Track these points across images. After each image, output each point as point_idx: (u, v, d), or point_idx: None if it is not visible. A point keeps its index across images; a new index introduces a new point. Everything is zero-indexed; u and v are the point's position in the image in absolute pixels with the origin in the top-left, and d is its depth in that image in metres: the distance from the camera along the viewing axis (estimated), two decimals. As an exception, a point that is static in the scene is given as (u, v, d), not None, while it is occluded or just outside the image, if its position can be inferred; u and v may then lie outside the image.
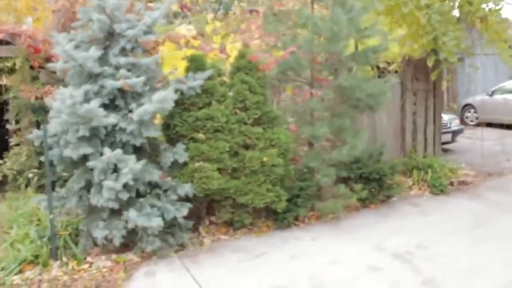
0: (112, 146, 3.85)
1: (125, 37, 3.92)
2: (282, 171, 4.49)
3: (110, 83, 3.74)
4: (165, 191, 4.13)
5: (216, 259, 4.08)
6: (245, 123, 4.52)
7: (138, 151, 4.07)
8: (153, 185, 4.09)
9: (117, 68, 3.92)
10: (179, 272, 3.82)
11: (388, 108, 6.48)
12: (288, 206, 4.69)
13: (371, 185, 5.35)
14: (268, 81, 4.76)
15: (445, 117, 8.68)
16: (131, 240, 4.01)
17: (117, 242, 3.80)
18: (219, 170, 4.33)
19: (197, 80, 4.33)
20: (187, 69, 4.53)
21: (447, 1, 5.58)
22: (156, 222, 3.75)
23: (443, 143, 8.46)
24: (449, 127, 8.57)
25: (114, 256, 4.02)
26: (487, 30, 6.04)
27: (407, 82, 6.58)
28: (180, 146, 4.23)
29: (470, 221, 4.91)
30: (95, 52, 3.72)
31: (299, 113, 4.92)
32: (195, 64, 4.53)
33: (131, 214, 3.69)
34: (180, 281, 3.67)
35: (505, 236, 4.43)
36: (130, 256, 4.05)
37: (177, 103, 4.36)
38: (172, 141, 4.40)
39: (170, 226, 4.17)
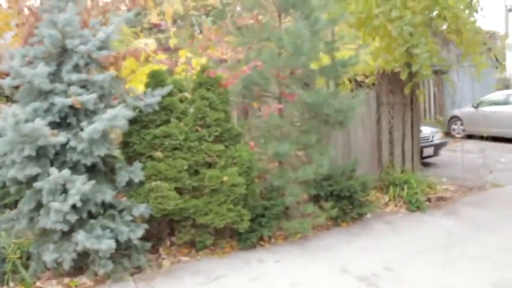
0: (63, 165, 3.72)
1: (78, 53, 3.81)
2: (243, 190, 4.35)
3: (60, 101, 3.62)
4: (120, 211, 3.98)
5: (172, 282, 3.91)
6: (206, 141, 4.39)
7: (92, 170, 3.94)
8: (107, 206, 3.95)
9: (70, 84, 3.81)
10: (130, 299, 3.66)
11: (363, 122, 6.39)
12: (252, 226, 4.54)
13: (342, 202, 5.21)
14: (231, 97, 4.64)
15: (427, 130, 8.59)
16: (84, 263, 3.84)
17: (66, 265, 3.65)
18: (178, 189, 4.20)
19: (155, 97, 4.22)
20: (147, 85, 4.43)
21: (419, 14, 5.48)
22: (107, 245, 3.59)
23: (425, 157, 8.35)
24: (431, 141, 8.46)
25: (66, 280, 3.86)
26: (462, 43, 5.96)
27: (382, 95, 6.47)
28: (136, 165, 4.09)
29: (443, 240, 4.75)
30: (43, 68, 3.60)
31: (262, 129, 4.79)
32: (155, 80, 4.42)
33: (79, 236, 3.54)
34: (130, 307, 3.52)
35: (478, 257, 4.27)
36: (83, 279, 3.89)
37: (135, 120, 4.27)
38: (130, 159, 4.26)
39: (126, 248, 4.02)
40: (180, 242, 4.42)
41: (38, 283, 3.79)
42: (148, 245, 4.20)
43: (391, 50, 5.78)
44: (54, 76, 3.82)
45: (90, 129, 3.55)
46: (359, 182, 5.18)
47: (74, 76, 3.77)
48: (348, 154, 6.37)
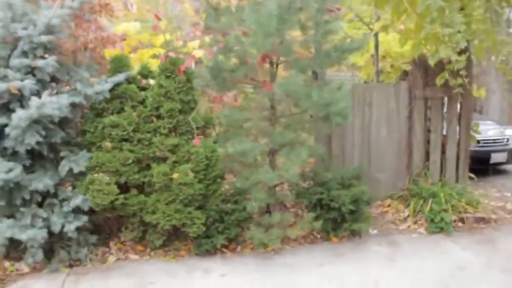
0: (4, 151, 3.73)
1: (22, 38, 3.74)
2: (196, 190, 3.91)
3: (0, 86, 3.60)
4: (62, 201, 3.88)
5: (100, 282, 3.70)
6: (160, 133, 4.04)
7: (38, 157, 3.90)
8: (51, 195, 3.87)
9: (18, 70, 3.78)
10: (49, 292, 3.55)
11: (389, 119, 5.36)
12: (210, 232, 4.09)
13: (331, 214, 4.40)
14: (196, 86, 4.19)
15: (505, 131, 6.99)
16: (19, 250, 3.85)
17: (-3, 251, 3.68)
18: (123, 184, 3.94)
19: (107, 84, 3.99)
20: (109, 71, 4.22)
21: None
22: (27, 235, 3.52)
23: (497, 164, 6.81)
24: (506, 144, 6.84)
25: (7, 264, 3.91)
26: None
27: (416, 88, 5.30)
28: (81, 155, 3.94)
29: (444, 281, 3.67)
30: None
31: (224, 124, 4.25)
32: (115, 65, 4.18)
33: (1, 224, 3.52)
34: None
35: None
36: (23, 266, 3.90)
37: (91, 108, 4.12)
38: (85, 147, 4.12)
39: (69, 239, 3.92)
40: (127, 239, 4.19)
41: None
42: (93, 238, 4.05)
43: (417, 32, 4.64)
44: (6, 62, 3.82)
45: (16, 116, 3.47)
46: (351, 193, 4.30)
47: (16, 62, 3.71)
48: (367, 157, 5.41)
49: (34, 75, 3.81)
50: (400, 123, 5.40)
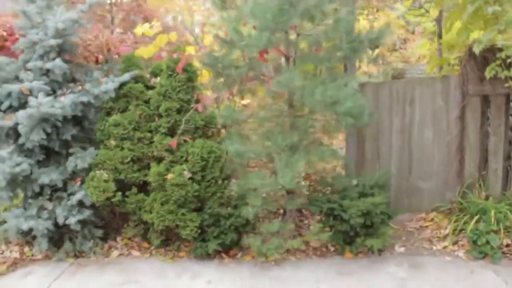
0: (21, 147, 4.06)
1: (37, 43, 4.02)
2: (189, 191, 3.80)
3: (14, 87, 3.93)
4: (70, 195, 4.10)
5: (94, 275, 3.82)
6: (160, 132, 4.01)
7: (53, 153, 4.18)
8: (61, 188, 4.11)
9: (35, 72, 4.09)
10: (46, 279, 3.75)
11: (435, 119, 4.63)
12: (207, 236, 3.95)
13: (343, 226, 3.92)
14: (198, 84, 4.06)
15: None
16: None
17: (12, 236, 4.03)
18: (122, 181, 4.01)
19: (114, 83, 4.08)
20: (121, 70, 4.32)
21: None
22: (30, 225, 3.80)
23: None
24: None
25: (27, 249, 4.27)
26: None
27: (470, 83, 4.43)
28: (89, 151, 4.11)
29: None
30: (2, 59, 3.99)
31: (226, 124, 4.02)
32: (126, 65, 4.27)
33: (7, 214, 3.85)
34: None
35: None
36: (37, 252, 4.22)
37: (102, 107, 4.27)
38: (96, 145, 4.29)
39: (77, 232, 4.13)
40: (129, 236, 4.26)
41: (3, 246, 4.29)
42: (99, 232, 4.21)
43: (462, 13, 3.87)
44: (26, 65, 4.15)
45: (19, 115, 3.74)
46: (364, 204, 3.77)
47: (31, 64, 4.00)
48: (407, 162, 4.71)
49: (48, 76, 4.08)
50: (449, 123, 4.58)
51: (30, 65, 4.02)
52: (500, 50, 3.77)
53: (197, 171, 3.88)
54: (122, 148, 4.04)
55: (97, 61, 4.55)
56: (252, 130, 4.00)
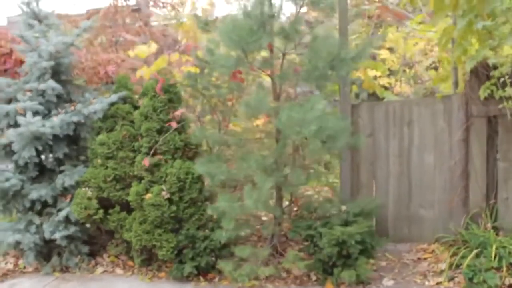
0: (16, 163, 4.29)
1: (33, 66, 4.26)
2: (164, 212, 3.80)
3: (10, 107, 4.18)
4: (59, 210, 4.25)
5: (72, 292, 3.91)
6: (141, 152, 4.06)
7: (47, 170, 4.37)
8: (51, 204, 4.27)
9: (32, 93, 4.33)
10: (28, 293, 3.90)
11: (437, 143, 4.31)
12: (184, 257, 3.91)
13: (321, 255, 3.70)
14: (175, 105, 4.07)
15: None
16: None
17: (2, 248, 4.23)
18: (105, 199, 4.09)
19: (102, 104, 4.22)
20: (114, 91, 4.46)
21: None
22: (15, 238, 3.97)
23: None
24: None
25: (21, 261, 4.46)
26: None
27: (474, 103, 4.06)
28: (78, 170, 4.25)
29: None
30: (1, 80, 4.27)
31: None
32: (119, 85, 4.40)
33: (-4, 227, 4.07)
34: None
35: None
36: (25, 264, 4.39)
37: (93, 126, 4.41)
38: (87, 163, 4.42)
39: (65, 247, 4.25)
40: (111, 254, 4.31)
41: (0, 258, 4.52)
42: (85, 248, 4.31)
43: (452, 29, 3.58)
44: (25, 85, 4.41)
45: (8, 133, 3.96)
46: (338, 233, 3.53)
47: (28, 86, 4.25)
48: (407, 189, 4.39)
49: (43, 97, 4.30)
50: (452, 147, 4.23)
51: (27, 86, 4.27)
52: (496, 67, 3.44)
53: (174, 191, 3.88)
54: (106, 167, 4.13)
55: (98, 81, 4.74)
56: (231, 152, 3.92)
